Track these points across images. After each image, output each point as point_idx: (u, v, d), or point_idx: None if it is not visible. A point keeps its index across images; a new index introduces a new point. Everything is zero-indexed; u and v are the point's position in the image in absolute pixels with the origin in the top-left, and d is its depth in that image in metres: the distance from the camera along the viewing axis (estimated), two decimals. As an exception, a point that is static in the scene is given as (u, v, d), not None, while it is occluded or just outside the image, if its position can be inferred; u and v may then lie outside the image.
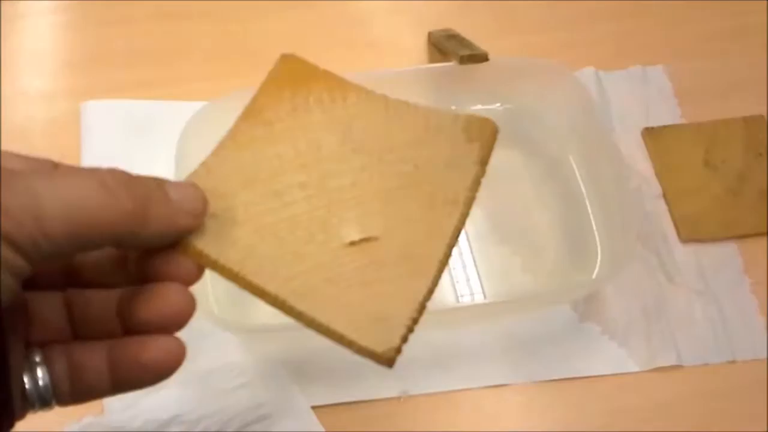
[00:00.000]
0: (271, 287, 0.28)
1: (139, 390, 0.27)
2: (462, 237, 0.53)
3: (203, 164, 0.31)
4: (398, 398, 0.48)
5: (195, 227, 0.27)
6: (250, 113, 0.34)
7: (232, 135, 0.33)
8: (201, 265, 0.28)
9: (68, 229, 0.23)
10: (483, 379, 0.49)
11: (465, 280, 0.52)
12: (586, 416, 0.49)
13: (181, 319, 0.26)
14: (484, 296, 0.51)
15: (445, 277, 0.51)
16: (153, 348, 0.26)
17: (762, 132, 0.58)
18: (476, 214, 0.54)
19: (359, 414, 0.48)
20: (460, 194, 0.31)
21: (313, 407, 0.47)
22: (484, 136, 0.33)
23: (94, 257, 0.28)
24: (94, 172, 0.24)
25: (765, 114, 0.59)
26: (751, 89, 0.61)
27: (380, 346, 0.27)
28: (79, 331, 0.28)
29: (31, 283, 0.27)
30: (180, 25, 0.63)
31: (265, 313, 0.50)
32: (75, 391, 0.27)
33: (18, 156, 0.26)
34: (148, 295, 0.26)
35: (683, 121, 0.60)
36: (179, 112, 0.54)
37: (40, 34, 0.62)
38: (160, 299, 0.26)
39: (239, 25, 0.63)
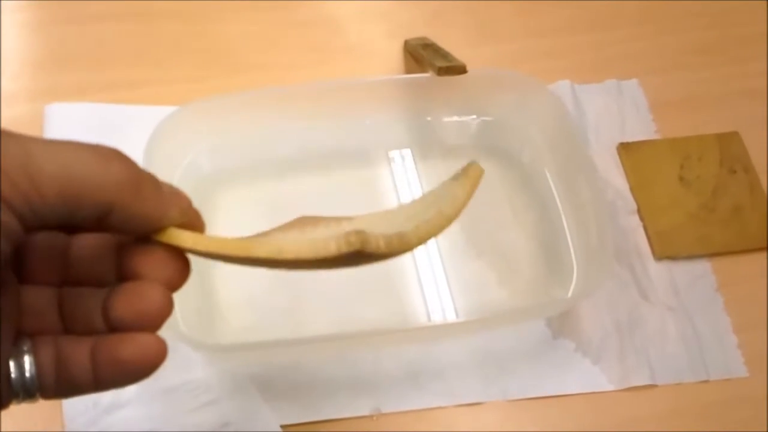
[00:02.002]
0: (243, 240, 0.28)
1: (120, 388, 0.27)
2: (434, 252, 0.52)
3: None
4: (370, 416, 0.47)
5: (179, 220, 0.27)
6: None
7: None
8: (178, 248, 0.27)
9: (62, 191, 0.23)
10: (456, 396, 0.48)
11: (437, 295, 0.51)
12: (560, 435, 0.48)
13: (157, 317, 0.26)
14: (456, 313, 0.50)
15: (416, 293, 0.51)
16: (130, 344, 0.26)
17: (736, 149, 0.58)
18: (451, 228, 0.53)
19: (330, 433, 0.47)
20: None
21: (283, 426, 0.46)
22: (469, 171, 0.34)
23: (89, 253, 0.28)
24: (88, 144, 0.25)
25: (739, 131, 0.59)
26: (726, 105, 0.61)
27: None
28: (69, 327, 0.28)
29: (26, 278, 0.27)
30: (149, 26, 0.61)
31: (233, 331, 0.49)
32: (60, 384, 0.27)
33: None
34: (126, 292, 0.26)
35: (658, 135, 0.59)
36: (147, 117, 0.52)
37: (3, 32, 0.60)
38: (137, 296, 0.26)
39: (210, 27, 0.62)
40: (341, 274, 0.50)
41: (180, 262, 0.27)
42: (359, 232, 0.26)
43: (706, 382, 0.50)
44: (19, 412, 0.45)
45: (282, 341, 0.43)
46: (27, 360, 0.26)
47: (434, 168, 0.55)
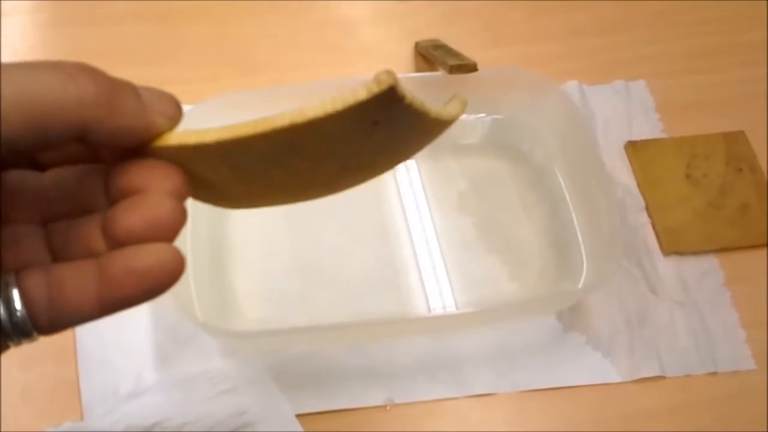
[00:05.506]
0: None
1: (130, 308, 0.24)
2: (446, 246, 0.53)
3: None
4: (384, 406, 0.48)
5: (170, 127, 0.25)
6: None
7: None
8: (177, 152, 0.25)
9: (27, 116, 0.21)
10: (468, 388, 0.49)
11: (449, 289, 0.52)
12: (571, 426, 0.49)
13: (172, 225, 0.24)
14: (456, 306, 0.51)
15: (426, 286, 0.51)
16: (147, 254, 0.23)
17: (742, 148, 0.59)
18: (463, 222, 0.54)
19: (344, 422, 0.47)
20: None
21: (298, 415, 0.47)
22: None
23: (69, 184, 0.26)
24: (53, 61, 0.22)
25: (744, 130, 0.60)
26: (731, 105, 0.62)
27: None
28: (61, 257, 0.26)
29: (3, 217, 0.25)
30: (165, 27, 0.62)
31: (250, 320, 0.50)
32: (56, 315, 0.24)
33: None
34: (132, 204, 0.24)
35: (665, 135, 0.60)
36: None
37: (22, 32, 0.61)
38: (146, 205, 0.24)
39: (226, 28, 0.63)
40: (355, 267, 0.51)
41: (182, 171, 0.25)
42: (389, 71, 0.23)
43: (714, 374, 0.51)
44: (37, 401, 0.46)
45: (299, 328, 0.44)
46: (15, 294, 0.24)
47: (445, 167, 0.56)
